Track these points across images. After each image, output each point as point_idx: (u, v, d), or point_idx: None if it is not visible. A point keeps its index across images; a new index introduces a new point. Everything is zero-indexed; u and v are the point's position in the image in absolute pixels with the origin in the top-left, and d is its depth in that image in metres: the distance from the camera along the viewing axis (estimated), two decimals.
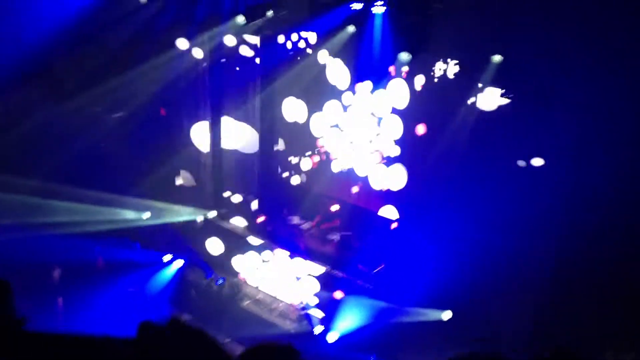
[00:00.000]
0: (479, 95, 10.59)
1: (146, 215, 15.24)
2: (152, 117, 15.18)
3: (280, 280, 13.48)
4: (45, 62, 14.38)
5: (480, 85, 10.46)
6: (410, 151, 12.10)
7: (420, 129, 11.81)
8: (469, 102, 10.75)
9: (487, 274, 10.97)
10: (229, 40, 13.29)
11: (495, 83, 10.18)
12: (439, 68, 10.87)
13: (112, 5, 13.49)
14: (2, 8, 13.16)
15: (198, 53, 13.88)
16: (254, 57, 13.44)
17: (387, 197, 12.69)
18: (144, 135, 15.48)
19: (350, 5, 11.16)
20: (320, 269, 12.97)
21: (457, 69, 10.68)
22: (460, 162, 11.21)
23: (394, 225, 12.79)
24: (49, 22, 13.56)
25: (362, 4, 10.99)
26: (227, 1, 12.55)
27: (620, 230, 9.47)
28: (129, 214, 15.17)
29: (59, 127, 14.34)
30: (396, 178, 12.40)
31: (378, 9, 10.83)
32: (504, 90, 10.07)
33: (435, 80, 11.12)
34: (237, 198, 14.88)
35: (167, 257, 14.76)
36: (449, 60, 10.73)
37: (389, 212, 12.73)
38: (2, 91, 14.17)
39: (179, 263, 14.64)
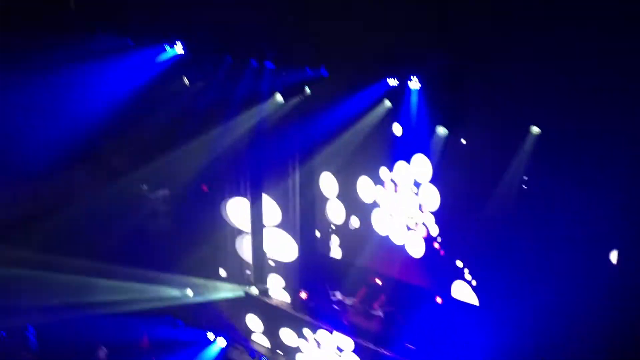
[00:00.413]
0: (515, 168, 10.43)
1: (189, 292, 15.29)
2: (195, 193, 15.41)
3: (323, 357, 13.20)
4: (93, 144, 14.88)
5: (519, 155, 10.30)
6: (451, 223, 11.90)
7: (460, 200, 11.64)
8: (508, 171, 10.58)
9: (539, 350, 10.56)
10: (269, 117, 13.50)
11: (533, 155, 10.01)
12: (476, 141, 10.78)
13: (156, 88, 13.93)
14: (52, 95, 13.75)
15: (238, 131, 14.12)
16: (293, 133, 13.59)
17: (431, 269, 12.43)
18: (186, 212, 15.72)
19: (387, 81, 11.24)
20: (365, 347, 12.66)
21: (494, 139, 10.58)
22: (502, 233, 10.96)
23: (439, 300, 12.49)
24: (96, 106, 14.10)
25: (398, 81, 11.06)
26: (266, 80, 12.79)
27: None
28: (172, 292, 15.26)
29: (105, 206, 14.69)
30: (436, 251, 12.17)
31: (414, 85, 10.89)
32: (540, 163, 9.88)
33: (473, 151, 11.03)
34: (278, 274, 14.79)
35: (210, 335, 14.66)
36: (486, 131, 10.65)
37: (434, 285, 12.44)
38: (51, 173, 14.70)
39: (222, 341, 14.53)
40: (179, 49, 13.58)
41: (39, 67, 13.58)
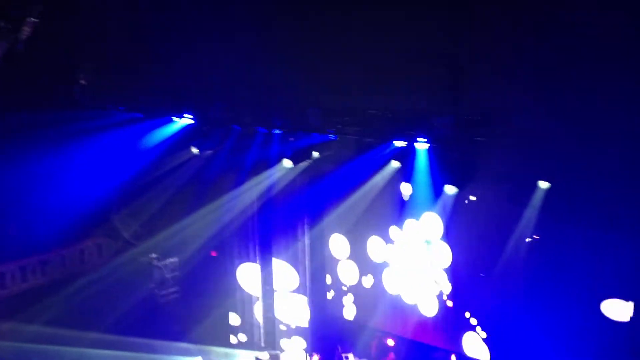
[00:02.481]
0: (525, 223, 10.68)
1: None
2: (204, 260, 15.52)
3: None
4: (103, 215, 15.04)
5: (529, 210, 10.56)
6: (463, 281, 12.07)
7: (471, 258, 11.85)
8: (519, 227, 10.83)
9: None
10: (278, 182, 13.77)
11: (543, 209, 10.27)
12: (485, 197, 11.07)
13: (165, 158, 14.22)
14: (63, 168, 13.98)
15: (248, 196, 14.37)
16: (302, 196, 13.85)
17: (444, 327, 12.52)
18: (195, 279, 15.78)
19: (394, 143, 11.56)
20: None
21: (505, 195, 10.86)
22: (514, 287, 11.14)
23: (453, 358, 12.53)
24: (106, 177, 14.33)
25: (406, 142, 11.39)
26: (275, 146, 13.10)
27: None
28: None
29: (116, 277, 14.74)
30: (450, 309, 12.29)
31: (421, 146, 11.22)
32: (554, 217, 10.14)
33: (483, 208, 11.30)
34: (290, 338, 14.76)
35: None
36: (495, 188, 10.94)
37: (447, 343, 12.51)
38: (61, 245, 14.80)
39: None
40: (187, 119, 13.95)
41: (49, 141, 13.86)
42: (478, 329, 11.94)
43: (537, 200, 10.31)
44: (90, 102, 14.10)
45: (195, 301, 15.52)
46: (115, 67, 14.21)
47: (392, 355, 13.43)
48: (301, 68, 11.83)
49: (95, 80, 14.19)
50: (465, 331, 12.17)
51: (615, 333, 10.17)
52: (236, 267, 15.26)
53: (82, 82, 14.35)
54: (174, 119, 13.94)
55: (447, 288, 12.36)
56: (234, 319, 15.57)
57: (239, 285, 15.30)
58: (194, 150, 13.93)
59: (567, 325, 10.62)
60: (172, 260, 15.68)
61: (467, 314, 12.08)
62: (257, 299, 15.08)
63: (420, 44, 10.28)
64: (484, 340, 11.86)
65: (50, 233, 14.30)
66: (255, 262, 14.91)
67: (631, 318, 9.94)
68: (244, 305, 15.38)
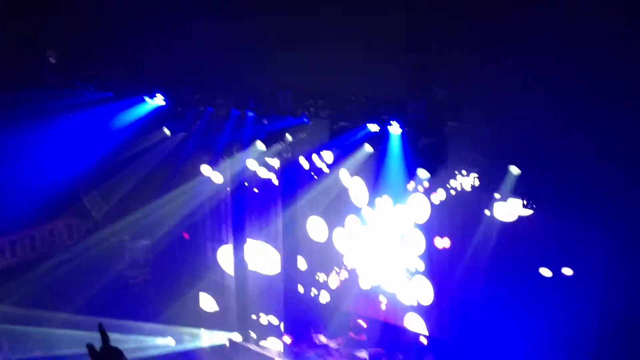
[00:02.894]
0: (499, 206, 10.77)
1: (171, 341, 15.17)
2: (176, 241, 15.46)
3: None
4: (74, 195, 14.88)
5: (499, 196, 10.65)
6: (435, 265, 12.16)
7: (443, 243, 11.94)
8: (490, 213, 10.92)
9: None
10: (251, 165, 13.72)
11: (515, 193, 10.36)
12: (457, 182, 11.13)
13: (137, 139, 14.06)
14: (31, 148, 13.77)
15: (220, 178, 14.31)
16: (275, 179, 13.82)
17: (416, 311, 12.64)
18: (167, 260, 15.73)
19: (367, 127, 11.55)
20: None
21: (476, 182, 10.93)
22: (485, 273, 11.26)
23: (424, 341, 12.67)
24: (76, 158, 14.15)
25: (378, 126, 11.39)
26: (248, 129, 13.02)
27: None
28: (154, 341, 15.12)
29: (86, 258, 14.63)
30: (423, 293, 12.40)
31: (394, 130, 11.22)
32: (525, 201, 10.23)
33: (455, 193, 11.38)
34: (262, 319, 14.80)
35: None
36: (467, 173, 11.01)
37: (418, 327, 12.64)
38: (30, 226, 14.63)
39: None
40: (159, 100, 13.79)
41: (17, 120, 13.63)
42: (453, 312, 12.07)
43: (507, 185, 10.37)
44: (59, 81, 13.86)
45: (167, 283, 15.49)
46: (85, 45, 13.98)
47: (367, 339, 13.53)
48: (273, 50, 11.74)
49: (64, 58, 13.94)
50: (434, 313, 12.30)
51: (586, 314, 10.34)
52: (212, 249, 15.24)
53: (51, 60, 14.10)
54: (146, 99, 13.77)
55: (420, 272, 12.44)
56: (206, 301, 15.56)
57: (212, 267, 15.28)
58: (166, 131, 13.79)
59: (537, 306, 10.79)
60: (143, 241, 15.59)
61: (441, 298, 12.20)
62: (232, 279, 15.08)
63: (390, 28, 10.25)
64: (450, 321, 11.98)
65: (20, 213, 14.13)
66: (228, 243, 14.87)
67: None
68: (216, 286, 15.37)
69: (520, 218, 10.52)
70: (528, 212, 10.32)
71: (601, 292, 9.88)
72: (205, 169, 14.25)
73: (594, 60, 8.67)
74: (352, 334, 13.46)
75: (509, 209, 10.61)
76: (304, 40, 11.65)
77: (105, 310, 14.52)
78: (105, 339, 4.12)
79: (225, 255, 15.07)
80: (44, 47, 13.90)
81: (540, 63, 9.21)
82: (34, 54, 14.04)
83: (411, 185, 11.82)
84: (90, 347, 4.07)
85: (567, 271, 10.24)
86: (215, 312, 15.46)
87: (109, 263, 15.10)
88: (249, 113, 12.88)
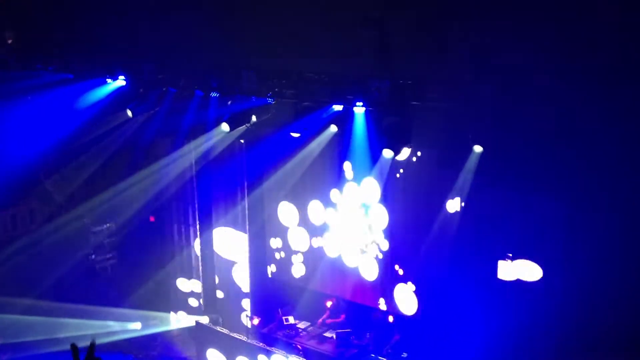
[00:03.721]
0: (462, 186, 10.84)
1: (138, 325, 15.09)
2: (142, 225, 15.31)
3: None
4: (35, 179, 14.63)
5: (463, 173, 10.71)
6: (399, 242, 12.23)
7: (409, 219, 12.00)
8: (453, 190, 10.99)
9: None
10: (215, 146, 13.59)
11: (478, 173, 10.43)
12: (421, 160, 11.16)
13: (99, 121, 13.84)
14: None
15: (185, 160, 14.16)
16: (240, 160, 13.73)
17: (383, 290, 12.71)
18: (133, 244, 15.59)
19: (332, 107, 11.50)
20: None
21: (439, 159, 10.97)
22: (450, 250, 11.34)
23: (390, 319, 12.76)
24: (38, 140, 13.90)
25: (343, 106, 11.35)
26: (212, 110, 12.87)
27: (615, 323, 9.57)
28: (121, 326, 15.03)
29: (49, 242, 14.43)
30: (388, 271, 12.47)
31: (358, 110, 11.19)
32: (488, 181, 10.31)
33: (419, 171, 11.42)
34: (229, 302, 14.76)
35: None
36: (430, 151, 11.05)
37: (385, 305, 12.72)
38: None
39: None
40: (121, 81, 13.56)
41: None
42: (411, 285, 12.16)
43: (471, 164, 10.43)
44: (18, 63, 13.56)
45: (134, 267, 15.35)
46: (44, 26, 13.68)
47: (335, 319, 13.57)
48: (236, 29, 11.61)
49: (22, 39, 13.63)
50: (400, 291, 12.39)
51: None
52: (179, 232, 15.13)
53: (9, 41, 13.78)
54: (107, 80, 13.53)
55: (385, 250, 12.50)
56: (173, 284, 15.47)
57: (178, 250, 15.19)
58: (129, 113, 13.56)
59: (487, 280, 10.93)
60: (108, 225, 15.42)
61: (402, 272, 12.27)
62: (199, 261, 15.01)
63: (351, 7, 10.20)
64: (415, 294, 12.09)
65: None
66: (195, 226, 14.78)
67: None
68: (183, 269, 15.28)
69: (483, 194, 10.59)
70: (490, 188, 10.38)
71: (561, 266, 10.03)
72: (169, 151, 14.08)
73: (551, 36, 8.73)
74: (329, 318, 13.49)
75: (472, 187, 10.67)
76: (267, 20, 11.57)
77: (71, 296, 14.46)
78: (90, 351, 4.00)
79: (191, 238, 14.97)
80: (0, 27, 13.56)
81: (501, 40, 9.24)
82: None
83: (376, 163, 11.82)
84: (73, 347, 3.95)
85: (528, 246, 10.36)
86: (183, 295, 15.38)
87: (73, 248, 14.91)
88: (213, 94, 12.73)
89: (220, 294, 14.90)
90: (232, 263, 14.67)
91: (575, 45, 8.56)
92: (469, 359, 11.13)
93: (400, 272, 12.33)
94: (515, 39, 8.96)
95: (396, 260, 12.38)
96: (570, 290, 9.96)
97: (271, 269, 14.32)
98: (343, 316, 13.48)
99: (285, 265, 14.07)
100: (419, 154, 11.34)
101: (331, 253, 13.29)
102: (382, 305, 12.76)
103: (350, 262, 13.05)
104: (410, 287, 12.21)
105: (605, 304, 9.56)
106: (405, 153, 11.14)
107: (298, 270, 13.91)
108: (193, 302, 15.27)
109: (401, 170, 11.73)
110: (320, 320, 13.55)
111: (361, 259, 12.88)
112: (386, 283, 12.61)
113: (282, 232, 13.92)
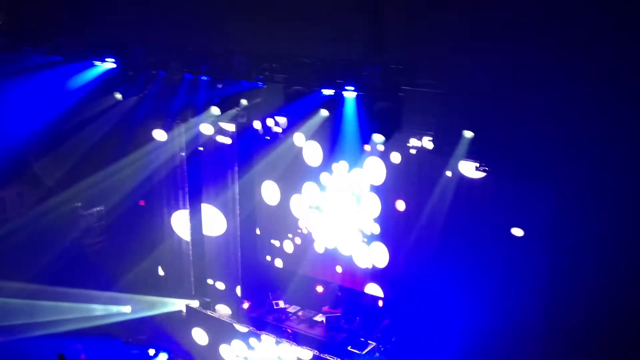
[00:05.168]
0: (453, 169, 10.83)
1: (128, 309, 15.08)
2: (132, 208, 15.25)
3: None
4: (24, 162, 14.54)
5: (453, 160, 10.69)
6: (391, 228, 12.25)
7: (399, 206, 12.01)
8: (444, 176, 10.98)
9: (478, 343, 10.99)
10: (205, 130, 13.52)
11: (468, 157, 10.42)
12: (412, 145, 11.15)
13: (88, 104, 13.74)
14: None
15: (175, 144, 14.09)
16: (231, 144, 13.67)
17: (372, 275, 12.74)
18: (123, 228, 15.53)
19: (322, 91, 11.45)
20: (309, 353, 12.81)
21: (430, 145, 10.96)
22: (440, 235, 11.36)
23: (380, 303, 12.80)
24: (27, 123, 13.80)
25: (334, 90, 11.29)
26: (202, 93, 12.79)
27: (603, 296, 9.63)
28: (111, 309, 15.03)
29: (39, 226, 14.36)
30: (379, 255, 12.50)
31: (349, 94, 11.14)
32: (478, 164, 10.30)
33: (409, 157, 11.41)
34: (220, 285, 14.76)
35: (151, 351, 14.50)
36: (421, 137, 11.02)
37: (374, 290, 12.76)
38: None
39: (163, 357, 14.38)
40: (110, 64, 13.44)
41: None
42: (404, 272, 12.19)
43: (462, 148, 10.41)
44: (6, 44, 13.41)
45: (123, 250, 15.30)
46: (33, 8, 13.52)
47: (325, 303, 13.61)
48: (227, 13, 11.51)
49: (11, 21, 13.47)
50: (390, 276, 12.42)
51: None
52: (169, 215, 15.07)
53: None
54: (96, 62, 13.41)
55: (375, 235, 12.51)
56: (163, 267, 15.44)
57: (169, 234, 15.13)
58: (118, 95, 13.46)
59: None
60: (98, 208, 15.35)
61: (396, 260, 12.29)
62: (189, 245, 14.97)
63: None
64: (406, 284, 12.12)
65: None
66: (185, 208, 14.72)
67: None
68: (173, 253, 15.25)
69: (473, 180, 10.59)
70: (481, 174, 10.38)
71: (549, 249, 10.08)
72: (158, 134, 14.00)
73: (547, 22, 8.70)
74: (326, 308, 13.53)
75: (462, 172, 10.67)
76: (259, 3, 11.47)
77: (61, 279, 14.43)
78: None
79: (181, 222, 14.93)
80: None
81: (495, 25, 9.20)
82: None
83: (367, 148, 11.80)
84: (61, 357, 4.00)
85: (518, 232, 10.39)
86: (173, 279, 15.37)
87: (63, 231, 14.85)
88: (203, 77, 12.64)
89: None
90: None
91: (571, 32, 8.52)
92: (456, 343, 11.19)
93: (387, 253, 12.35)
94: (509, 24, 8.91)
95: (385, 243, 12.38)
96: (558, 274, 10.02)
97: (266, 251, 14.27)
98: (325, 302, 13.54)
99: (279, 248, 14.04)
100: (411, 139, 11.29)
101: (322, 239, 13.29)
102: (371, 289, 12.77)
103: (340, 247, 13.06)
104: (400, 271, 12.22)
105: (593, 288, 9.64)
106: (396, 138, 11.13)
107: (292, 253, 13.88)
108: (182, 285, 15.25)
109: (392, 156, 11.69)
110: (301, 306, 13.60)
111: (351, 245, 12.89)
112: (376, 268, 12.64)
113: (276, 216, 13.87)
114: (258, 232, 14.27)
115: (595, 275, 9.64)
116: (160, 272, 15.41)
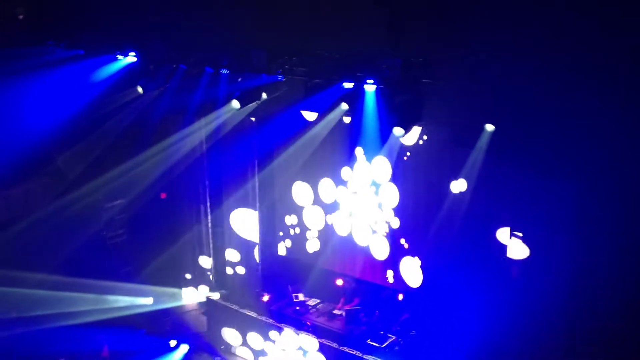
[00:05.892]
0: (473, 164, 10.77)
1: (149, 300, 15.22)
2: (153, 202, 15.38)
3: (288, 359, 13.34)
4: (47, 155, 14.70)
5: (473, 154, 10.63)
6: (410, 220, 12.21)
7: (418, 198, 11.96)
8: (464, 171, 10.93)
9: (495, 343, 10.95)
10: (226, 123, 13.57)
11: (489, 152, 10.35)
12: (432, 139, 11.10)
13: (110, 97, 13.85)
14: (3, 107, 13.53)
15: (196, 138, 14.17)
16: (251, 138, 13.71)
17: (392, 268, 12.72)
18: (145, 221, 15.67)
19: (342, 85, 11.43)
20: (329, 346, 12.85)
21: (450, 138, 10.90)
22: (458, 228, 11.30)
23: (400, 297, 12.78)
24: (49, 117, 13.94)
25: (353, 83, 11.26)
26: (222, 87, 12.83)
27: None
28: (132, 301, 15.17)
29: (62, 218, 14.52)
30: (398, 249, 12.47)
31: (369, 87, 11.11)
32: (499, 159, 10.23)
33: (429, 150, 11.36)
34: (240, 278, 14.84)
35: (172, 343, 14.62)
36: (441, 130, 10.97)
37: (394, 283, 12.74)
38: (4, 186, 14.45)
39: (185, 348, 14.50)
40: (131, 58, 13.53)
41: None
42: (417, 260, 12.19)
43: (482, 142, 10.34)
44: (28, 39, 13.55)
45: (145, 242, 15.45)
46: (54, 2, 13.65)
47: (344, 296, 13.62)
48: (247, 7, 11.54)
49: (33, 15, 13.61)
50: (410, 269, 12.40)
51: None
52: (190, 209, 15.18)
53: (20, 17, 13.76)
54: (118, 56, 13.51)
55: (395, 227, 12.48)
56: (185, 260, 15.57)
57: (190, 226, 15.26)
58: (139, 89, 13.55)
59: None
60: (119, 201, 15.50)
61: (407, 246, 12.29)
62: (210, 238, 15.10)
63: None
64: (426, 277, 12.10)
65: None
66: (206, 204, 14.82)
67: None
68: (195, 246, 15.37)
69: (494, 173, 10.52)
70: (501, 167, 10.31)
71: (568, 247, 9.99)
72: (180, 128, 14.09)
73: (565, 18, 8.60)
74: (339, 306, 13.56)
75: (483, 165, 10.61)
76: None
77: (83, 271, 14.58)
78: None
79: (203, 215, 15.03)
80: (11, 3, 13.54)
81: (514, 20, 9.12)
82: (2, 10, 13.68)
83: (387, 141, 11.76)
84: None
85: (537, 225, 10.31)
86: (194, 271, 15.49)
87: (85, 223, 15.01)
88: (223, 71, 12.68)
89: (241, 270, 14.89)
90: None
91: (589, 25, 8.42)
92: (475, 338, 11.15)
93: (406, 246, 12.31)
94: (530, 19, 8.83)
95: (404, 236, 12.35)
96: (578, 271, 9.93)
97: (285, 244, 14.30)
98: (345, 296, 13.54)
99: (299, 241, 14.07)
100: (429, 132, 11.23)
101: (341, 231, 13.29)
102: (390, 278, 12.74)
103: (360, 240, 13.05)
104: (416, 261, 12.19)
105: (613, 285, 9.54)
106: (416, 131, 11.08)
107: (312, 246, 13.90)
108: (203, 277, 15.36)
109: (411, 149, 11.64)
110: (339, 305, 13.60)
111: (371, 237, 12.88)
112: (395, 259, 12.61)
113: (296, 210, 13.90)
114: (278, 225, 14.30)
115: (617, 275, 9.55)
116: (184, 264, 15.54)
